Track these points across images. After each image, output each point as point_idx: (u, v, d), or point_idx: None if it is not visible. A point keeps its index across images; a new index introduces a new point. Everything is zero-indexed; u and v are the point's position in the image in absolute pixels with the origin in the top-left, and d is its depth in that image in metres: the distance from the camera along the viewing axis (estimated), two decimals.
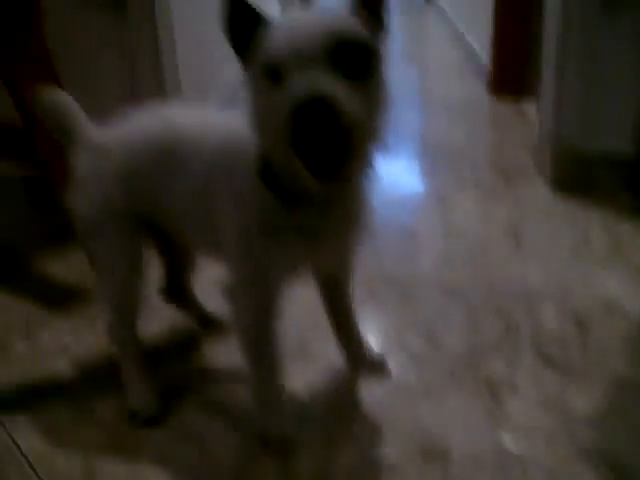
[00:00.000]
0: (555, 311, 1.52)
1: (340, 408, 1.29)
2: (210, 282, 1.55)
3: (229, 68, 3.21)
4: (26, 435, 1.24)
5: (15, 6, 1.50)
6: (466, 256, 1.79)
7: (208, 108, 1.35)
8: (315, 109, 0.80)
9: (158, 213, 1.22)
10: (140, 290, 1.27)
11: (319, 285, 1.29)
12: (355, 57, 0.85)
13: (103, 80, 2.11)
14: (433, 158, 2.59)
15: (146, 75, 2.06)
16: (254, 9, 0.92)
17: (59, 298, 1.72)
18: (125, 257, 1.25)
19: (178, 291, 1.55)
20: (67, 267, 1.85)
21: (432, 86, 3.66)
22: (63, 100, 1.26)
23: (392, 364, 1.38)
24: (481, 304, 1.57)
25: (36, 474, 1.15)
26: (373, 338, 1.46)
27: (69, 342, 1.52)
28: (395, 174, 2.37)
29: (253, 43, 0.91)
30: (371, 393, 1.31)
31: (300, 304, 1.40)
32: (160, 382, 1.34)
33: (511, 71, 3.13)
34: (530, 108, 2.80)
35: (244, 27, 0.92)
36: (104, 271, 1.29)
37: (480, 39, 3.56)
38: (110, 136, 1.24)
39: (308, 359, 1.41)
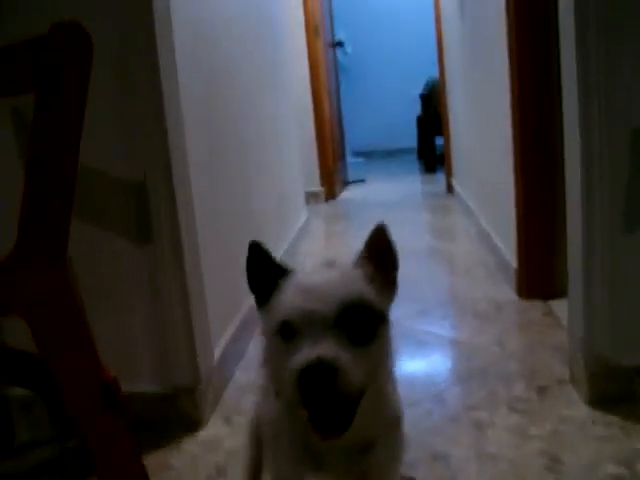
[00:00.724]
0: None
1: None
2: None
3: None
4: None
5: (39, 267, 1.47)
6: None
7: None
8: (318, 374, 0.88)
9: None
10: None
11: None
12: (362, 323, 0.96)
13: (131, 319, 2.14)
14: (463, 368, 2.54)
15: (175, 319, 2.09)
16: (275, 261, 1.03)
17: None
18: None
19: None
20: None
21: (458, 286, 3.69)
22: None
23: None
24: None
25: None
26: None
27: None
28: (423, 384, 2.31)
29: (271, 291, 1.01)
30: None
31: None
32: None
33: (539, 275, 3.10)
34: (561, 310, 2.75)
35: (264, 276, 1.02)
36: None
37: (505, 239, 3.62)
38: None
39: None
